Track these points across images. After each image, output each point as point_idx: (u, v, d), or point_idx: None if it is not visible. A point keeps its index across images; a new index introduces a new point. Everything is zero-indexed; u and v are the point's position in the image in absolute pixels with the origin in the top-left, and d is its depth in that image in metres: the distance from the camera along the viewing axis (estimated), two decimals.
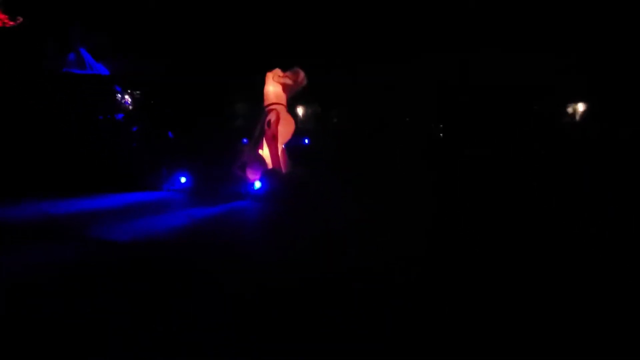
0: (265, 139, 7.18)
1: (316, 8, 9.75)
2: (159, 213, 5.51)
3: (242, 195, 6.76)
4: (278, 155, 7.10)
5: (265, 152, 7.23)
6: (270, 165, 7.10)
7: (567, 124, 10.44)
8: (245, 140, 7.98)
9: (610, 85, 9.63)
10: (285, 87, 7.25)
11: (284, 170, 7.14)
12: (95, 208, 5.66)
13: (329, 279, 3.54)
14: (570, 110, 10.49)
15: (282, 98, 7.26)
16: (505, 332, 2.91)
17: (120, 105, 9.02)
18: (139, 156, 7.77)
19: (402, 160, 9.00)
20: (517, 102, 10.27)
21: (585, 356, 2.73)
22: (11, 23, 7.76)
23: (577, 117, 10.62)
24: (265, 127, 7.13)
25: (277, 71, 7.25)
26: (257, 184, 6.79)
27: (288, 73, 7.19)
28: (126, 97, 9.28)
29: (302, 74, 7.21)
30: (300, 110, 12.78)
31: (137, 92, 9.51)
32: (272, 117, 7.08)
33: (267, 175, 6.86)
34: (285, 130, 7.21)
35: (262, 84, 7.34)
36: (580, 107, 10.45)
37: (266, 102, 7.24)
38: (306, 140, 10.27)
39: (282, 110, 7.22)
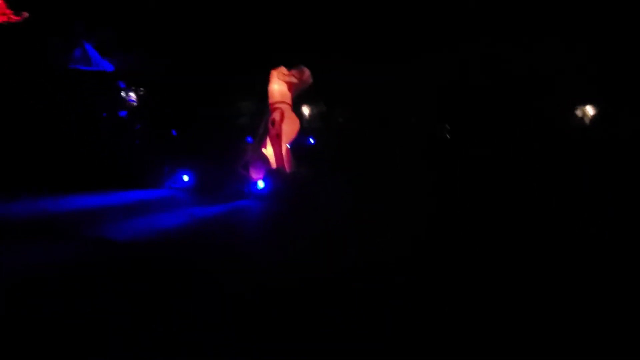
0: (269, 138, 7.06)
1: (322, 4, 9.73)
2: (160, 212, 5.47)
3: (245, 194, 6.70)
4: (282, 154, 6.99)
5: (269, 151, 7.10)
6: (273, 165, 6.99)
7: (574, 125, 10.39)
8: (249, 138, 7.85)
9: (620, 85, 9.58)
10: (290, 85, 7.14)
11: (287, 170, 7.03)
12: (97, 206, 5.62)
13: (329, 279, 3.54)
14: (579, 113, 10.45)
15: (287, 97, 7.15)
16: (505, 332, 2.91)
17: (124, 102, 8.99)
18: (142, 154, 7.70)
19: (405, 160, 8.98)
20: (522, 101, 10.26)
21: (586, 356, 2.73)
22: (16, 18, 7.71)
23: (585, 119, 10.59)
24: (270, 125, 7.01)
25: (282, 69, 7.13)
26: (261, 184, 6.70)
27: (293, 71, 7.09)
28: (130, 94, 9.26)
29: (307, 73, 7.11)
30: (305, 110, 12.73)
31: (141, 89, 9.47)
32: (276, 115, 6.97)
33: (271, 175, 6.78)
34: (289, 129, 7.10)
35: (267, 82, 7.22)
36: (589, 109, 10.40)
37: (271, 101, 7.12)
38: (311, 140, 10.20)
39: (287, 109, 7.11)
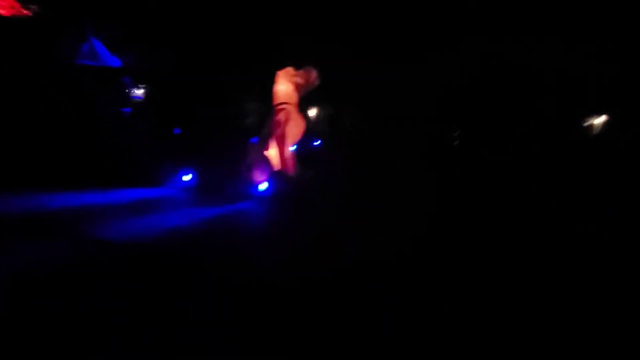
0: (273, 140, 6.92)
1: (329, 5, 9.70)
2: (159, 212, 5.43)
3: (247, 196, 6.58)
4: (285, 156, 6.85)
5: (272, 153, 6.96)
6: (277, 167, 6.86)
7: (574, 125, 10.38)
8: (255, 139, 7.67)
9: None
10: (296, 86, 7.00)
11: (291, 173, 6.90)
12: (96, 204, 5.58)
13: (329, 279, 3.54)
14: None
15: (293, 98, 7.00)
16: (505, 332, 2.91)
17: (129, 98, 8.94)
18: (144, 151, 7.66)
19: (407, 161, 8.96)
20: (522, 101, 10.25)
21: (586, 356, 2.73)
22: (25, 12, 7.65)
23: (586, 119, 10.57)
24: (274, 127, 6.89)
25: (289, 70, 7.01)
26: (263, 186, 6.59)
27: (300, 72, 6.96)
28: (135, 90, 9.21)
29: (314, 74, 7.00)
30: (312, 112, 12.69)
31: (146, 85, 9.42)
32: (281, 117, 6.85)
33: (274, 178, 6.66)
34: (294, 131, 6.93)
35: (272, 82, 7.09)
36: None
37: (276, 102, 6.98)
38: (317, 142, 10.09)
39: (292, 111, 6.96)
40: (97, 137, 7.45)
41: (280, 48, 9.31)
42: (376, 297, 3.25)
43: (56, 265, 3.48)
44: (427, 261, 4.27)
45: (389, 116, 10.97)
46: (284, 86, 6.97)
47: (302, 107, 7.62)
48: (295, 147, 7.11)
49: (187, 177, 7.05)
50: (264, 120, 7.35)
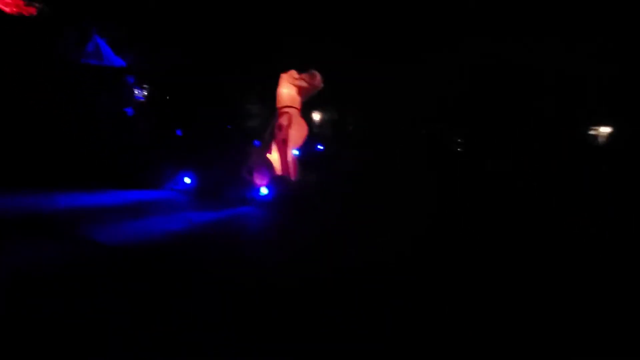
0: (275, 143, 6.79)
1: (334, 7, 9.68)
2: (156, 214, 5.27)
3: (247, 200, 6.33)
4: (287, 160, 6.70)
5: (274, 156, 6.82)
6: (278, 171, 6.70)
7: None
8: (257, 142, 7.55)
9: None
10: (300, 89, 6.86)
11: (293, 177, 6.74)
12: (94, 205, 5.46)
13: (329, 279, 3.54)
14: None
15: (296, 101, 6.87)
16: (505, 332, 2.91)
17: (131, 98, 8.89)
18: (145, 153, 7.56)
19: (407, 162, 8.95)
20: (522, 101, 10.26)
21: (586, 356, 2.73)
22: (29, 10, 7.60)
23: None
24: (276, 130, 6.75)
25: (293, 73, 6.87)
26: (264, 190, 6.39)
27: (304, 75, 6.82)
28: (137, 90, 9.18)
29: (318, 77, 6.83)
30: (316, 116, 12.65)
31: (148, 86, 9.40)
32: (283, 120, 6.70)
33: (275, 182, 6.47)
34: (297, 135, 6.79)
35: (276, 84, 6.97)
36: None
37: (279, 105, 6.86)
38: (320, 146, 9.95)
39: (295, 114, 6.83)
40: (98, 137, 7.40)
41: (280, 48, 9.28)
42: (376, 297, 3.25)
43: (56, 265, 3.48)
44: (427, 261, 4.27)
45: (390, 118, 10.97)
46: (288, 89, 6.86)
47: (306, 111, 7.55)
48: (298, 151, 6.99)
49: (187, 180, 6.90)
50: (266, 123, 7.26)
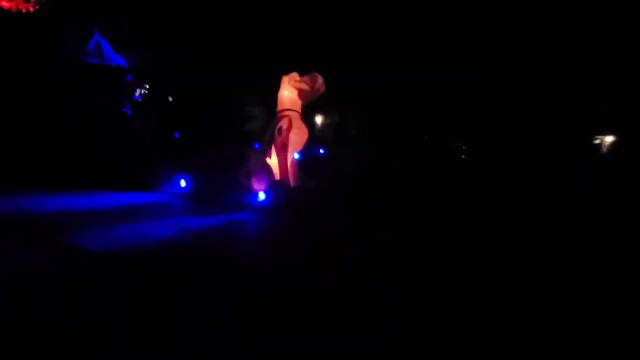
0: (275, 147, 6.66)
1: (337, 8, 9.65)
2: (147, 220, 5.04)
3: (243, 205, 6.13)
4: (287, 165, 6.56)
5: (273, 161, 6.69)
6: (277, 176, 6.56)
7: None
8: (257, 145, 7.34)
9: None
10: (301, 92, 6.72)
11: (292, 182, 6.59)
12: (83, 208, 5.26)
13: (329, 279, 3.55)
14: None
15: (297, 104, 6.75)
16: (505, 332, 2.91)
17: (130, 98, 8.83)
18: (141, 154, 7.47)
19: (408, 162, 8.93)
20: (522, 101, 10.26)
21: (586, 356, 2.73)
22: (27, 6, 7.55)
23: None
24: (276, 134, 6.62)
25: (294, 75, 6.76)
26: (261, 195, 6.18)
27: (305, 78, 6.70)
28: (136, 90, 9.13)
29: (320, 80, 6.68)
30: (318, 119, 12.59)
31: (147, 86, 9.34)
32: (283, 123, 6.57)
33: (273, 187, 6.29)
34: (297, 139, 6.64)
35: (277, 86, 6.85)
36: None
37: (279, 107, 6.74)
38: (321, 150, 9.84)
39: (296, 118, 6.69)
40: (96, 137, 7.37)
41: (282, 49, 9.24)
42: (376, 297, 3.25)
43: (56, 265, 3.48)
44: (427, 261, 4.27)
45: (393, 121, 10.96)
46: (289, 92, 6.74)
47: (307, 114, 7.45)
48: (298, 155, 6.85)
49: (182, 183, 6.74)
50: (266, 126, 7.17)
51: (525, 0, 9.94)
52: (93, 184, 6.39)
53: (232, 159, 6.97)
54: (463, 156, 10.81)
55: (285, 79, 6.80)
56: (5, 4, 7.52)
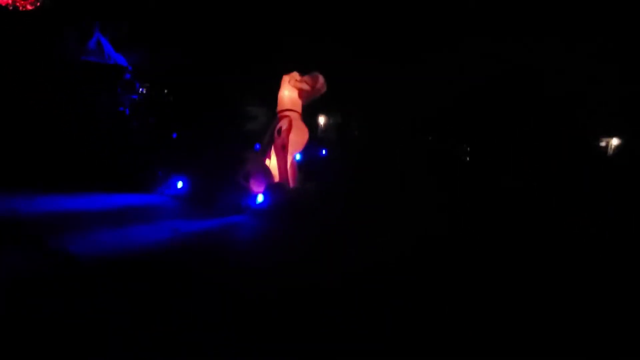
0: (274, 148, 6.53)
1: (339, 8, 9.60)
2: (140, 223, 4.87)
3: (241, 208, 5.93)
4: (286, 167, 6.43)
5: (272, 162, 6.55)
6: (276, 178, 6.42)
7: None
8: (258, 145, 7.14)
9: None
10: (302, 92, 6.57)
11: (291, 184, 6.45)
12: (75, 210, 5.11)
13: (329, 279, 3.55)
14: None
15: (298, 105, 6.60)
16: (505, 332, 2.91)
17: (129, 98, 8.79)
18: (139, 154, 7.39)
19: (408, 163, 8.91)
20: (522, 101, 10.26)
21: (586, 356, 2.73)
22: (24, 3, 7.50)
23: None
24: (275, 134, 6.48)
25: (295, 75, 6.61)
26: (260, 198, 6.01)
27: (306, 77, 6.54)
28: (139, 89, 9.11)
29: (321, 80, 6.52)
30: (320, 120, 12.51)
31: (148, 86, 9.31)
32: (283, 124, 6.44)
33: (272, 190, 6.13)
34: (297, 140, 6.49)
35: (277, 86, 6.70)
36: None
37: (279, 108, 6.60)
38: (324, 152, 9.69)
39: (296, 118, 6.55)
40: (95, 137, 7.35)
41: (282, 49, 9.19)
42: (376, 297, 3.25)
43: (56, 265, 3.48)
44: (427, 261, 4.27)
45: (396, 122, 10.94)
46: (289, 92, 6.61)
47: (310, 114, 7.32)
48: (300, 156, 6.72)
49: (179, 184, 6.58)
50: (266, 126, 7.03)
51: (525, 1, 9.94)
52: (91, 185, 6.29)
53: (231, 160, 6.78)
54: (467, 158, 10.78)
55: (285, 79, 6.67)
56: (3, 1, 7.49)
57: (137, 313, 2.75)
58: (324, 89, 6.66)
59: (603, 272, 4.33)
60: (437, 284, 3.68)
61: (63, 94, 7.49)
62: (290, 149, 6.45)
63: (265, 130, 6.91)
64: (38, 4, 7.78)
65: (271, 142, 6.61)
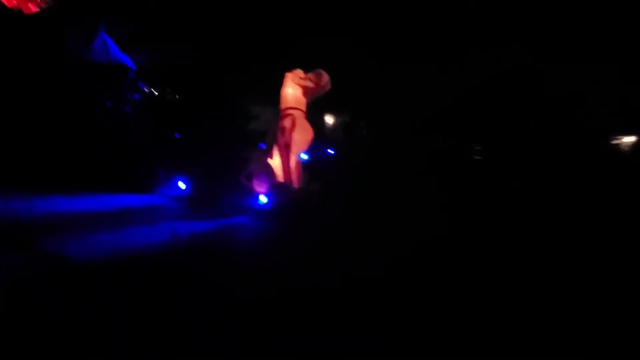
0: (278, 148, 6.38)
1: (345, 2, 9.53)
2: (138, 224, 4.79)
3: (243, 209, 5.85)
4: (290, 166, 6.28)
5: (275, 162, 6.40)
6: (280, 178, 6.29)
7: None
8: (262, 144, 6.97)
9: None
10: (305, 90, 6.46)
11: (295, 185, 6.32)
12: (72, 211, 5.00)
13: (328, 279, 3.55)
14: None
15: (301, 103, 6.47)
16: (505, 332, 2.91)
17: (134, 98, 8.77)
18: (140, 154, 7.37)
19: (409, 163, 8.90)
20: (521, 101, 10.26)
21: (586, 356, 2.73)
22: (31, 5, 7.45)
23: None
24: (279, 134, 6.36)
25: (298, 72, 6.51)
26: (263, 199, 5.93)
27: (310, 75, 6.43)
28: (143, 89, 9.11)
29: (325, 77, 6.39)
30: (328, 119, 12.46)
31: (152, 86, 9.30)
32: (286, 123, 6.30)
33: (275, 190, 6.02)
34: (301, 139, 6.35)
35: (280, 84, 6.59)
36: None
37: (282, 106, 6.48)
38: (330, 151, 9.64)
39: (300, 117, 6.41)
40: (96, 137, 7.33)
41: (285, 45, 9.14)
42: (376, 297, 3.25)
43: (56, 265, 3.47)
44: (427, 261, 4.27)
45: (404, 120, 10.92)
46: (293, 89, 6.48)
47: (316, 113, 7.08)
48: (306, 156, 6.57)
49: (181, 185, 6.47)
50: (269, 125, 6.95)
51: (525, 1, 9.95)
52: (91, 185, 6.28)
53: (233, 159, 6.71)
54: (477, 157, 10.71)
55: (289, 76, 6.56)
56: (9, 3, 7.47)
57: (137, 313, 2.75)
58: (329, 87, 6.54)
59: (603, 272, 4.33)
60: (438, 284, 3.68)
61: (67, 95, 7.46)
62: (293, 148, 6.33)
63: (269, 129, 6.81)
64: (43, 5, 7.75)
65: (274, 141, 6.49)
